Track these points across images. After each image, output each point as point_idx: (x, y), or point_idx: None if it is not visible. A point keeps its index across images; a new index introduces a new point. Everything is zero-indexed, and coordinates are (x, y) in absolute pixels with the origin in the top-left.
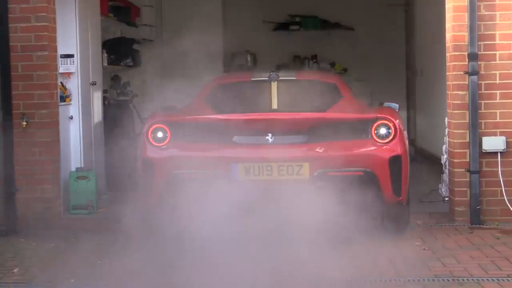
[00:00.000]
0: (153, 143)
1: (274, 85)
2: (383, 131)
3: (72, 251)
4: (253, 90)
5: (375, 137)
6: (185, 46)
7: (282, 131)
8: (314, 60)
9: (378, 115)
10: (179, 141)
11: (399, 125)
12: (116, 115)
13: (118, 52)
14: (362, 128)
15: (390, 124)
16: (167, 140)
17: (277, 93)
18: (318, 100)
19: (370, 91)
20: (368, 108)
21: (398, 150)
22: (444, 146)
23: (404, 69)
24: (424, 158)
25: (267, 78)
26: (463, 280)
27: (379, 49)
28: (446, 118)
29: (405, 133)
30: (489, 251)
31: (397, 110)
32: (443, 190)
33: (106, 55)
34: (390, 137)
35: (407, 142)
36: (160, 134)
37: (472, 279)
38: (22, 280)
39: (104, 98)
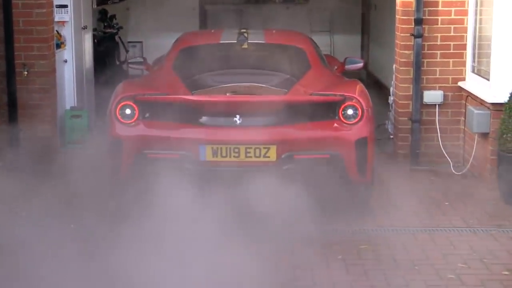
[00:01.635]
0: (121, 120)
1: (242, 53)
2: (350, 112)
3: (71, 191)
4: (221, 57)
5: (342, 118)
6: None
7: (250, 112)
8: None
9: (346, 94)
10: (147, 118)
11: (366, 106)
12: (104, 49)
13: None
14: (329, 108)
15: (358, 105)
16: (135, 117)
17: (245, 64)
18: (287, 72)
19: (330, 21)
20: (335, 80)
21: (365, 132)
22: (391, 88)
23: (360, 2)
24: (374, 84)
25: (235, 41)
26: (400, 230)
27: None
28: (394, 66)
29: (371, 110)
30: (424, 198)
31: (361, 66)
32: (389, 127)
33: None
34: (357, 118)
35: (373, 121)
36: (128, 111)
37: (408, 230)
38: (29, 223)
39: (94, 36)
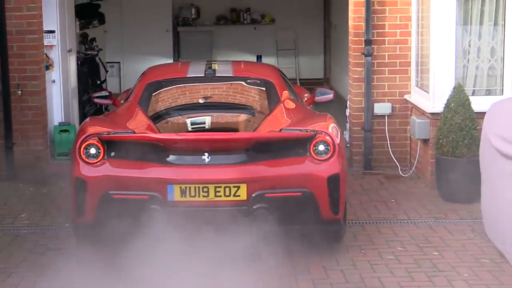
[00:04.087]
0: (86, 159)
1: (210, 87)
2: (321, 148)
3: (62, 196)
4: (188, 92)
5: (313, 154)
6: (139, 2)
7: (219, 150)
8: (248, 13)
9: (317, 129)
10: (113, 157)
11: (337, 141)
12: (86, 69)
13: (87, 16)
14: (300, 144)
15: (329, 140)
16: (100, 157)
17: (213, 100)
18: (255, 107)
19: (294, 39)
20: (306, 115)
21: (337, 168)
22: (348, 101)
23: (322, 21)
24: (336, 98)
25: (203, 75)
26: (352, 223)
27: (301, 3)
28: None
29: (343, 145)
30: (374, 196)
31: (331, 97)
32: (347, 136)
33: (78, 22)
34: (329, 154)
35: (345, 156)
36: (93, 151)
37: (358, 222)
38: (29, 224)
39: (77, 58)
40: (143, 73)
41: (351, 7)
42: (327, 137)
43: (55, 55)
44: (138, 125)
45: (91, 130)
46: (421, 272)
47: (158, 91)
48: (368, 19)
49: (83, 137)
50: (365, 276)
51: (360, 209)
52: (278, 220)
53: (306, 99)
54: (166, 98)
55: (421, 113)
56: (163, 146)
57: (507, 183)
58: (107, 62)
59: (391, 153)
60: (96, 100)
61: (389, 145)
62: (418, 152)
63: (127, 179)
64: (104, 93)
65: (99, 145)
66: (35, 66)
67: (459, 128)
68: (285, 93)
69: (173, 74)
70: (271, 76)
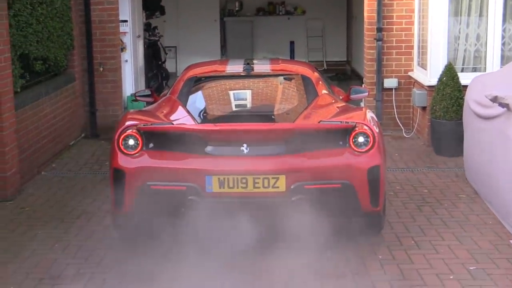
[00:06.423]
0: (124, 150)
1: (248, 82)
2: (361, 139)
3: None
4: (227, 86)
5: (353, 145)
6: None
7: (258, 141)
8: (283, 5)
9: (356, 121)
10: (151, 149)
11: (377, 132)
12: (150, 52)
13: (150, 9)
14: (339, 136)
15: (369, 132)
16: (139, 148)
17: (252, 94)
18: (294, 101)
19: (322, 28)
20: (344, 108)
21: (377, 160)
22: (364, 78)
23: (345, 13)
24: (355, 76)
25: (241, 71)
26: None
27: None
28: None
29: (382, 137)
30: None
31: (367, 94)
32: (361, 105)
33: (144, 13)
34: (369, 146)
35: (384, 148)
36: (131, 142)
37: None
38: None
39: (143, 43)
40: (183, 70)
41: (366, 1)
42: (367, 129)
43: (127, 40)
44: (177, 117)
45: (130, 121)
46: (413, 203)
47: (197, 86)
48: (379, 11)
49: (121, 128)
50: None
51: None
52: (317, 211)
53: (341, 98)
54: (205, 92)
55: (421, 86)
56: (201, 137)
57: (481, 137)
58: (166, 47)
59: (397, 118)
60: (138, 98)
61: (395, 112)
62: (418, 117)
63: (165, 170)
64: (146, 91)
65: (137, 136)
66: (113, 49)
67: (449, 97)
68: (323, 89)
69: (212, 70)
70: (308, 72)
